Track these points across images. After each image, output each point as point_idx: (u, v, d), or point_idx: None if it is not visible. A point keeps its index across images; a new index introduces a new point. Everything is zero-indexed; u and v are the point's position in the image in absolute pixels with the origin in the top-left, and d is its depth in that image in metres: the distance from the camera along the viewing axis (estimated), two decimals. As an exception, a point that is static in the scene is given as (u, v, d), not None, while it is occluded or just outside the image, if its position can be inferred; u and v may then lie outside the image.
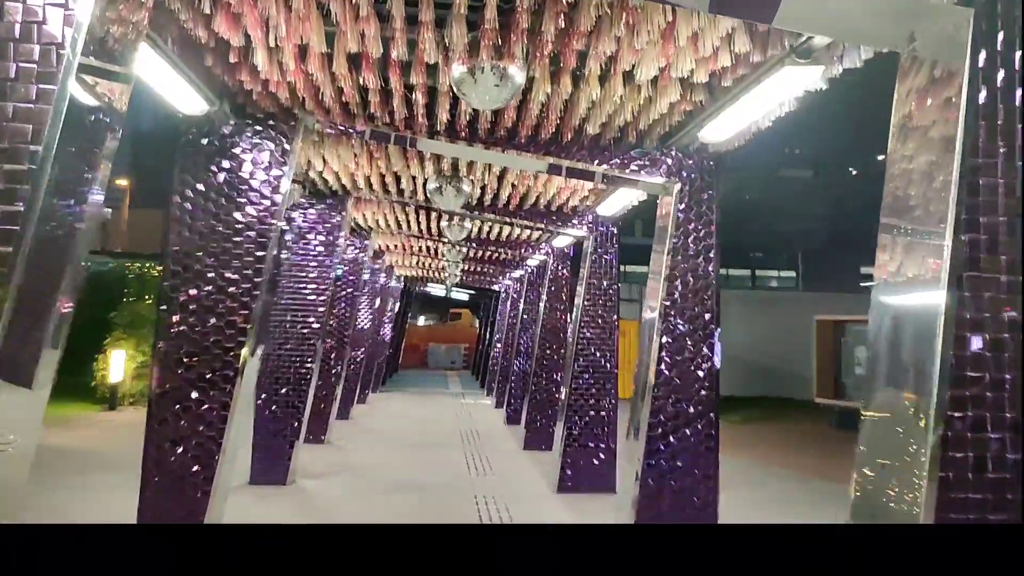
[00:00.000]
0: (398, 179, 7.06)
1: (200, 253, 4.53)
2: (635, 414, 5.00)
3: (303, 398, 7.55)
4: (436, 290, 26.13)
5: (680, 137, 4.87)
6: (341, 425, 11.70)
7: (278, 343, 7.55)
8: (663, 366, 4.86)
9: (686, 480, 4.82)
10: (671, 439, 4.85)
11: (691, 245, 4.91)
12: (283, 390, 7.52)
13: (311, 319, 7.62)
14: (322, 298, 7.67)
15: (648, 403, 4.84)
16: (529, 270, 13.47)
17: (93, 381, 13.46)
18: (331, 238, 7.76)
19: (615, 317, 7.86)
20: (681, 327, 4.87)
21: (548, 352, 10.44)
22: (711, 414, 4.89)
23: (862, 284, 39.43)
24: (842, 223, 46.48)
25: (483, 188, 7.19)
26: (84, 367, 13.95)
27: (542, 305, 10.59)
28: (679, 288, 4.88)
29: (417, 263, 15.79)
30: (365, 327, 13.70)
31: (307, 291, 7.65)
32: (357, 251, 10.60)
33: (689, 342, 4.88)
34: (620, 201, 6.95)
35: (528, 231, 9.67)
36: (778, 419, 15.81)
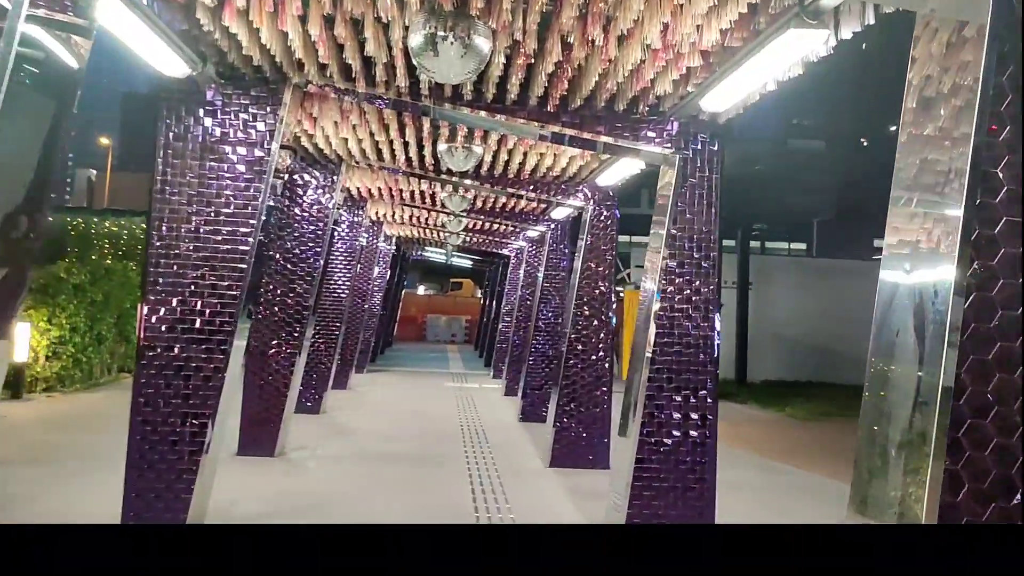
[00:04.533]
0: (367, 61, 4.11)
1: None
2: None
3: (210, 405, 4.64)
4: (435, 256, 23.29)
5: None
6: (307, 424, 8.84)
7: (163, 324, 4.61)
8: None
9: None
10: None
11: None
12: (176, 397, 4.60)
13: (225, 283, 4.67)
14: (243, 248, 4.71)
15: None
16: (552, 225, 10.50)
17: (-4, 361, 10.55)
18: (256, 155, 4.78)
19: (712, 287, 4.94)
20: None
21: (585, 333, 7.53)
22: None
23: (875, 257, 37.33)
24: (853, 194, 44.99)
25: (507, 62, 4.21)
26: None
27: (577, 268, 7.65)
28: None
29: (411, 218, 12.83)
30: (342, 295, 10.77)
31: (217, 240, 4.69)
32: (320, 191, 7.62)
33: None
34: (746, 87, 3.99)
35: (571, 153, 6.58)
36: (850, 414, 12.88)
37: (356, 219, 10.71)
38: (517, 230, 12.65)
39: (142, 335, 4.61)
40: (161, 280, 4.63)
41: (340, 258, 10.69)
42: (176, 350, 4.62)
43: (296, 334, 7.45)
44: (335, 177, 7.64)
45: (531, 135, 5.40)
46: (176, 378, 4.61)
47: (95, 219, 15.91)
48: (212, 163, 4.73)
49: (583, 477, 7.04)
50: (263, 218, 4.86)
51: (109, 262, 13.11)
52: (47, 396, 10.39)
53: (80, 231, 15.51)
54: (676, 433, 4.81)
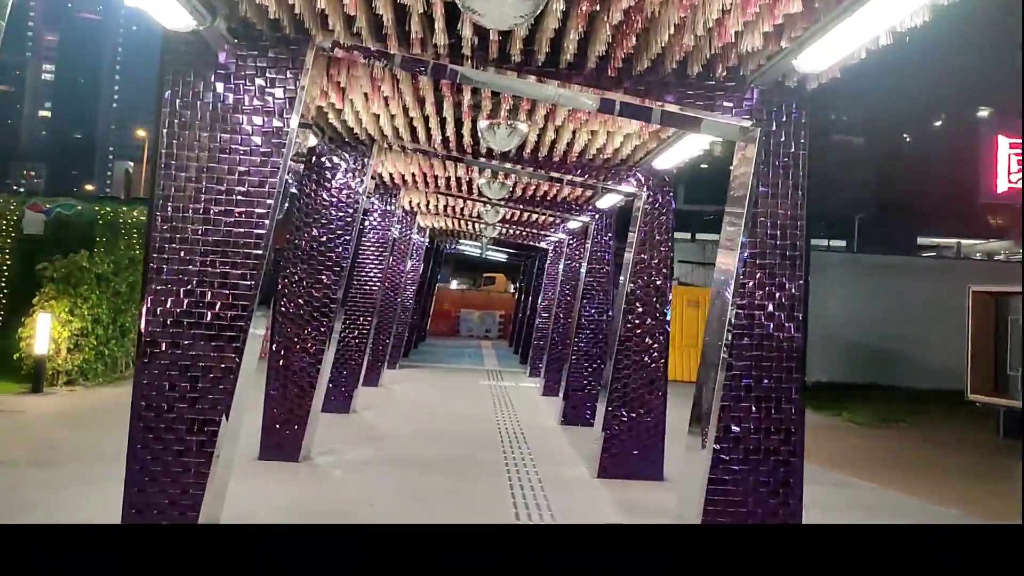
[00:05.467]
0: (402, 13, 3.49)
1: None
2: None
3: (220, 411, 4.08)
4: (469, 249, 22.73)
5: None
6: (335, 425, 8.29)
7: (167, 317, 4.05)
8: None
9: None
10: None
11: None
12: (182, 401, 4.04)
13: (238, 271, 4.10)
14: (258, 232, 4.14)
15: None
16: (597, 215, 9.82)
17: (17, 352, 10.18)
18: (274, 126, 4.19)
19: (799, 282, 4.24)
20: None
21: (638, 332, 6.85)
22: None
23: (924, 254, 36.08)
24: (896, 191, 43.52)
25: (566, 10, 3.56)
26: (10, 333, 10.74)
27: (628, 262, 6.96)
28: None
29: (445, 208, 12.24)
30: (374, 288, 10.21)
31: (229, 222, 4.11)
32: (350, 175, 7.03)
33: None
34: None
35: (628, 131, 5.88)
36: (922, 420, 12.05)
37: (388, 208, 10.13)
38: (558, 221, 11.99)
39: (144, 330, 4.05)
40: (165, 268, 4.06)
41: (371, 249, 10.12)
42: (182, 348, 4.05)
43: (323, 328, 6.88)
44: (366, 160, 7.04)
45: (586, 105, 4.73)
46: (182, 379, 4.04)
47: (123, 208, 15.55)
48: (224, 135, 4.15)
49: (635, 490, 6.38)
50: (282, 199, 4.27)
51: (136, 251, 12.69)
52: (68, 390, 9.99)
53: (108, 220, 15.17)
54: (755, 450, 4.13)
